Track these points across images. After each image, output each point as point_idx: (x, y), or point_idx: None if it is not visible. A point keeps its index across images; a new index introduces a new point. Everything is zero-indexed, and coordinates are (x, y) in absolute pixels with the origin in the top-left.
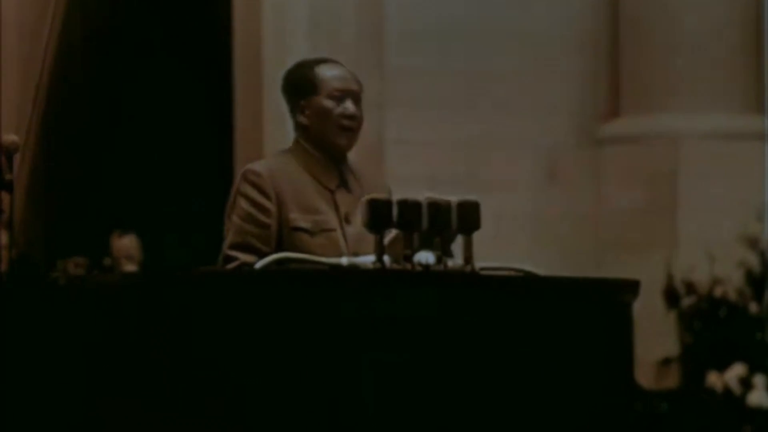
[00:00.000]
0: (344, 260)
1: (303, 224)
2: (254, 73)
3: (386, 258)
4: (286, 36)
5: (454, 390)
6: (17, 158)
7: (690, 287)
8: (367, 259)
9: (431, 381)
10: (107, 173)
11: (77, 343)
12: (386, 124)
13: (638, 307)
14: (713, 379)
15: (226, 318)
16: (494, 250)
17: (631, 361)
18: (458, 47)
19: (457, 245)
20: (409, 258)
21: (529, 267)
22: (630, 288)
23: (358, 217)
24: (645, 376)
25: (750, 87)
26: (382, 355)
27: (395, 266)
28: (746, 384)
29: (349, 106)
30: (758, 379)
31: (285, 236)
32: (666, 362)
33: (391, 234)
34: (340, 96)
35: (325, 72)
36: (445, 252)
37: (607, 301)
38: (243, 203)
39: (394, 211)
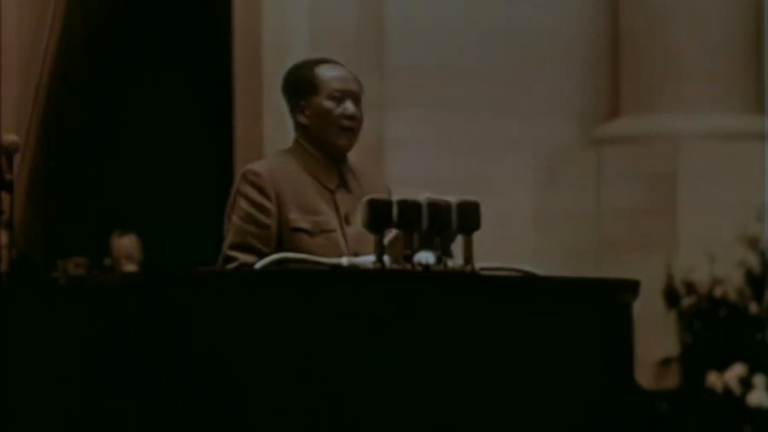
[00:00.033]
0: (344, 260)
1: (303, 225)
2: (254, 73)
3: (386, 258)
4: (286, 36)
5: (454, 390)
6: (17, 158)
7: (690, 287)
8: (367, 260)
9: (431, 381)
10: (107, 173)
11: (77, 343)
12: (386, 124)
13: (638, 307)
14: (713, 379)
15: (226, 318)
16: (494, 251)
17: (631, 361)
18: (458, 47)
19: (457, 245)
20: (409, 258)
21: (529, 267)
22: (630, 288)
23: (358, 218)
24: (645, 376)
25: (750, 87)
26: (382, 355)
27: (395, 266)
28: (746, 384)
29: (349, 106)
30: (758, 379)
31: (285, 237)
32: (666, 362)
33: (391, 234)
34: (341, 96)
35: (326, 72)
36: (445, 252)
37: (607, 301)
38: (243, 203)
39: (394, 211)
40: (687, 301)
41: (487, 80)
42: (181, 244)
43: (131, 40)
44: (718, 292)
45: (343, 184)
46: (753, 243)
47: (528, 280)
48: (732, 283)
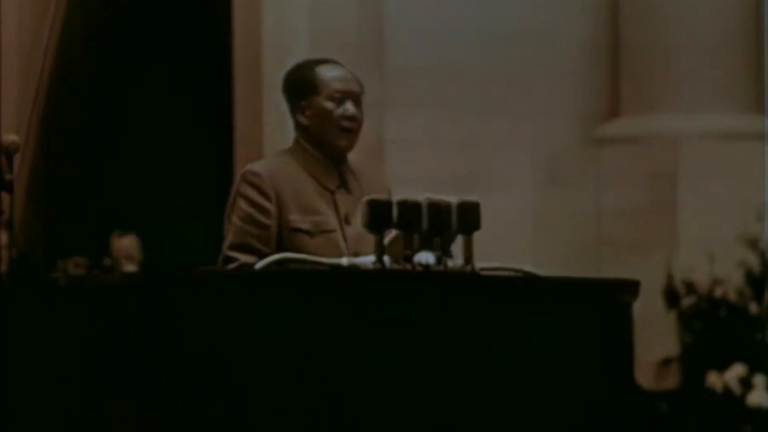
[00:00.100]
0: (344, 260)
1: (303, 225)
2: (254, 73)
3: (386, 258)
4: (286, 36)
5: (454, 390)
6: (17, 158)
7: (690, 287)
8: (367, 260)
9: (431, 381)
10: (107, 173)
11: (77, 343)
12: (386, 124)
13: (638, 307)
14: (713, 379)
15: (226, 318)
16: (494, 251)
17: (631, 361)
18: (458, 47)
19: (458, 245)
20: (409, 258)
21: (529, 267)
22: (630, 288)
23: (358, 218)
24: (645, 376)
25: (750, 87)
26: (382, 355)
27: (395, 266)
28: (746, 384)
29: (349, 107)
30: (758, 379)
31: (285, 237)
32: (666, 362)
33: (391, 234)
34: (341, 97)
35: (326, 73)
36: (445, 252)
37: (607, 301)
38: (243, 204)
39: (394, 211)
40: (687, 301)
41: (487, 80)
42: (181, 244)
43: (131, 40)
44: (718, 292)
45: (343, 185)
46: (753, 243)
47: (528, 280)
48: (732, 283)
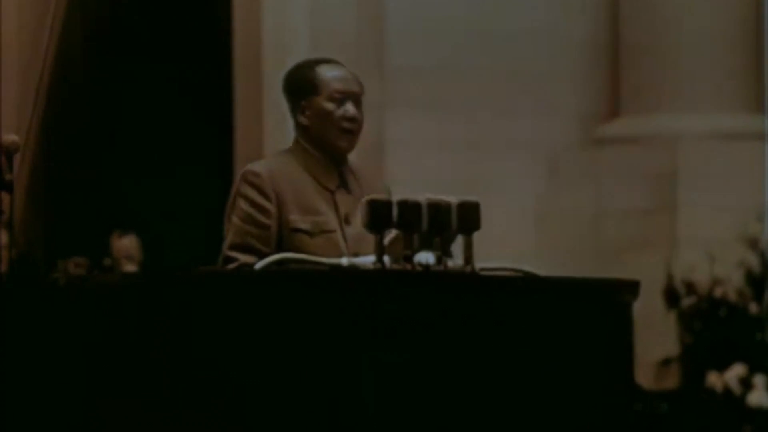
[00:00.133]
0: (344, 261)
1: (303, 225)
2: (254, 73)
3: (386, 258)
4: (286, 36)
5: (454, 390)
6: (17, 158)
7: (690, 287)
8: (367, 260)
9: (431, 381)
10: (107, 173)
11: (77, 343)
12: (386, 124)
13: (638, 307)
14: (713, 379)
15: (226, 318)
16: (494, 251)
17: (631, 361)
18: (458, 47)
19: (458, 245)
20: (409, 258)
21: (528, 267)
22: (630, 288)
23: (358, 218)
24: (645, 376)
25: (750, 87)
26: (382, 355)
27: (395, 266)
28: (746, 384)
29: (349, 108)
30: (758, 379)
31: (285, 237)
32: (666, 362)
33: (391, 234)
34: (341, 98)
35: (326, 73)
36: (445, 252)
37: (607, 301)
38: (243, 204)
39: (394, 211)
40: (687, 301)
41: (487, 80)
42: (181, 244)
43: (131, 40)
44: (718, 292)
45: (343, 185)
46: (753, 243)
47: (528, 280)
48: (732, 283)
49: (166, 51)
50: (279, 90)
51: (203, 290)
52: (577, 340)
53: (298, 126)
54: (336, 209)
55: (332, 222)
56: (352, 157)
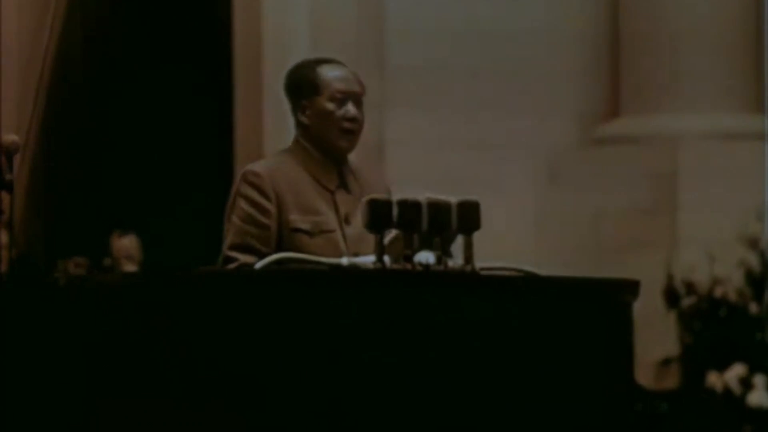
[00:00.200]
0: (344, 260)
1: (302, 225)
2: (254, 73)
3: (386, 258)
4: (286, 36)
5: (454, 390)
6: (17, 158)
7: (690, 287)
8: (367, 260)
9: (431, 381)
10: (107, 173)
11: (77, 343)
12: (386, 124)
13: (638, 307)
14: (713, 379)
15: (226, 318)
16: (494, 251)
17: (631, 361)
18: (458, 47)
19: (458, 245)
20: (409, 258)
21: (529, 267)
22: (630, 288)
23: (358, 218)
24: (645, 376)
25: (750, 87)
26: (382, 355)
27: (395, 266)
28: (746, 384)
29: (350, 108)
30: (758, 379)
31: (285, 237)
32: (666, 362)
33: (391, 234)
34: (342, 98)
35: (327, 73)
36: (445, 252)
37: (607, 301)
38: (243, 204)
39: (394, 211)
40: (687, 301)
41: (487, 80)
42: (181, 244)
43: (131, 40)
44: (718, 292)
45: (343, 185)
46: (753, 243)
47: (528, 280)
48: (732, 283)
49: (166, 51)
50: (279, 90)
51: (203, 290)
52: (577, 340)
53: (299, 125)
54: (336, 209)
55: (332, 222)
56: (352, 157)
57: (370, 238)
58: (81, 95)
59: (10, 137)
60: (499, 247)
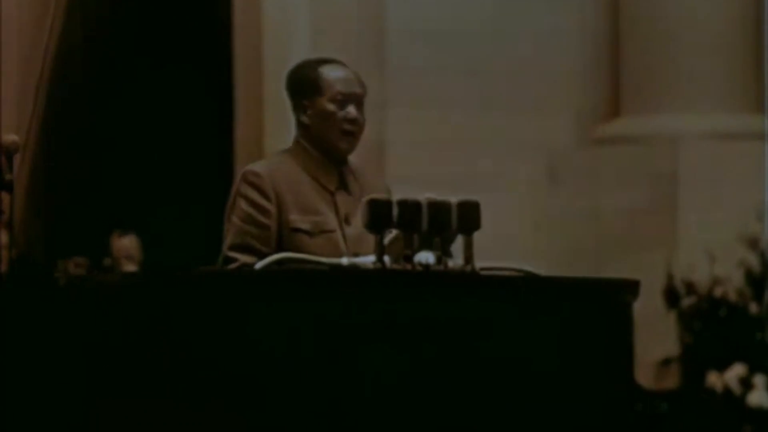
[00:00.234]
0: (344, 260)
1: (302, 225)
2: (254, 73)
3: (386, 258)
4: (287, 36)
5: (454, 390)
6: (17, 158)
7: (690, 287)
8: (367, 260)
9: (431, 381)
10: (107, 173)
11: (77, 343)
12: (386, 124)
13: (638, 307)
14: (713, 379)
15: (226, 318)
16: (494, 251)
17: (631, 361)
18: (458, 47)
19: (458, 245)
20: (409, 258)
21: (529, 267)
22: (630, 288)
23: (358, 218)
24: (645, 376)
25: (750, 87)
26: (382, 356)
27: (395, 266)
28: (746, 384)
29: (351, 110)
30: (758, 379)
31: (285, 237)
32: (666, 362)
33: (391, 234)
34: (344, 100)
35: (329, 73)
36: (445, 252)
37: (607, 301)
38: (243, 204)
39: (394, 211)
40: (687, 301)
41: (487, 80)
42: (181, 244)
43: (131, 40)
44: (718, 292)
45: (343, 186)
46: (753, 243)
47: (528, 280)
48: (732, 283)
49: (166, 50)
50: (279, 90)
51: (203, 290)
52: (577, 340)
53: (300, 125)
54: (336, 210)
55: (332, 222)
56: (353, 158)
57: (370, 238)
58: (81, 95)
59: (10, 137)
60: (499, 247)
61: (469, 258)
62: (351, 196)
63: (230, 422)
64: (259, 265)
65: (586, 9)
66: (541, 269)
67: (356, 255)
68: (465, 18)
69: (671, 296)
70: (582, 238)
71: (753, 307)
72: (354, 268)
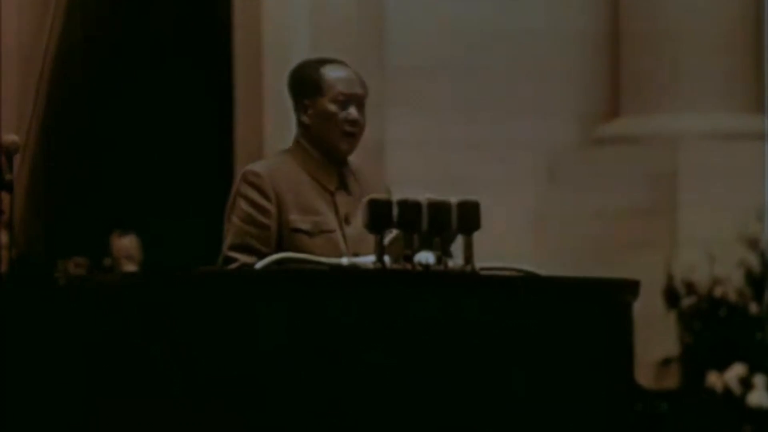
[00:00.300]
0: (344, 260)
1: (302, 225)
2: (254, 73)
3: (386, 258)
4: (287, 36)
5: (454, 390)
6: (17, 158)
7: (690, 287)
8: (367, 260)
9: (431, 381)
10: (107, 173)
11: (77, 343)
12: (386, 124)
13: (638, 307)
14: (713, 379)
15: (226, 318)
16: (494, 251)
17: (631, 361)
18: (458, 47)
19: (458, 245)
20: (409, 258)
21: (529, 267)
22: (630, 288)
23: (358, 218)
24: (645, 376)
25: (750, 87)
26: (382, 356)
27: (395, 266)
28: (746, 384)
29: (352, 111)
30: (758, 379)
31: (285, 237)
32: (666, 362)
33: (391, 234)
34: (345, 101)
35: (331, 74)
36: (445, 252)
37: (607, 301)
38: (243, 204)
39: (394, 211)
40: (687, 301)
41: (487, 80)
42: (181, 244)
43: (131, 40)
44: (718, 292)
45: (343, 186)
46: (753, 243)
47: (528, 280)
48: (732, 283)
49: (166, 51)
50: (279, 90)
51: (203, 290)
52: (577, 340)
53: (300, 125)
54: (336, 210)
55: (332, 222)
56: (353, 158)
57: (370, 238)
58: (81, 95)
59: (10, 137)
60: (499, 247)
61: (469, 258)
62: (351, 196)
63: (230, 422)
64: (259, 265)
65: (586, 9)
66: (541, 269)
67: (356, 255)
68: (465, 18)
69: (671, 296)
70: (582, 238)
71: (753, 307)
72: (354, 268)
